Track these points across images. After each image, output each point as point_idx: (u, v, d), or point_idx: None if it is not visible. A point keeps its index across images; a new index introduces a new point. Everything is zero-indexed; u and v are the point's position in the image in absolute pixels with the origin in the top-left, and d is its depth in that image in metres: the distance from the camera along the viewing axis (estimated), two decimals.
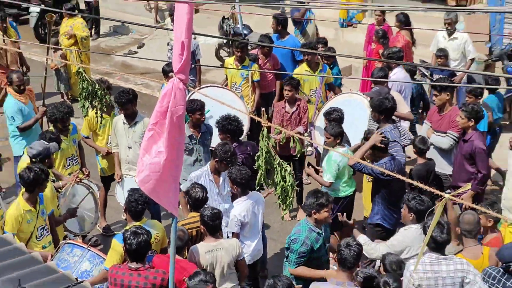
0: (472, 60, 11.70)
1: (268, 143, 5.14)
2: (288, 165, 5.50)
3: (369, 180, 8.84)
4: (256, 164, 5.57)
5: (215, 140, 9.14)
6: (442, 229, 6.08)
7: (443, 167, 8.89)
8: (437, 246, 6.08)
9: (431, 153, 8.98)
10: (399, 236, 6.98)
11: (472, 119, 8.30)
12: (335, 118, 8.72)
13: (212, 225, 6.78)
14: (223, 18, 14.80)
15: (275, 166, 5.36)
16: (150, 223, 7.03)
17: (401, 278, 6.12)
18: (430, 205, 6.72)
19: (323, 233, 6.90)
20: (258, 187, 7.45)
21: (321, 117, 9.44)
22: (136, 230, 6.10)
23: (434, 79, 10.47)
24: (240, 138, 9.09)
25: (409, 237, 6.86)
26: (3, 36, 12.30)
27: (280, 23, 11.91)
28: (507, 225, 7.51)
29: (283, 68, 11.63)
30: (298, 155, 9.64)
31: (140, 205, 6.89)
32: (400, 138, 8.54)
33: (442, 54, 10.96)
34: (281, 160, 5.43)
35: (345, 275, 6.00)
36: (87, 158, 9.62)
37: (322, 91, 10.61)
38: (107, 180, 9.74)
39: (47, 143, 7.92)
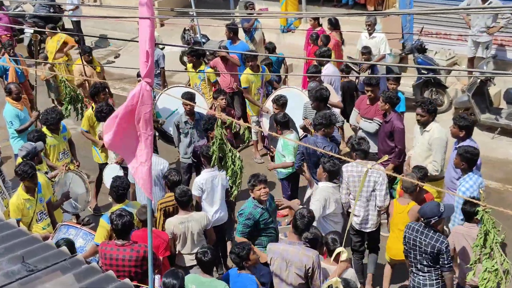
0: (384, 55, 11.74)
1: (221, 132, 5.10)
2: (237, 151, 5.49)
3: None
4: (211, 149, 5.51)
5: None
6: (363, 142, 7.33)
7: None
8: (364, 155, 7.24)
9: (361, 135, 9.08)
10: (318, 195, 7.07)
11: (388, 103, 8.39)
12: (282, 103, 8.92)
13: (181, 201, 6.79)
14: (184, 29, 14.69)
15: (226, 152, 5.31)
16: (131, 204, 7.01)
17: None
18: (340, 167, 7.28)
19: (267, 208, 6.85)
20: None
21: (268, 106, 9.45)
22: (121, 213, 6.07)
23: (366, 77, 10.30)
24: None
25: (325, 190, 7.05)
26: (88, 67, 11.35)
27: (232, 31, 11.85)
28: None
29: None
30: (246, 142, 9.73)
31: (121, 190, 6.86)
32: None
33: (366, 51, 10.96)
34: (231, 147, 5.40)
35: (296, 237, 6.09)
36: (83, 150, 9.40)
37: (264, 89, 10.62)
38: (104, 166, 9.33)
39: (34, 144, 7.81)
